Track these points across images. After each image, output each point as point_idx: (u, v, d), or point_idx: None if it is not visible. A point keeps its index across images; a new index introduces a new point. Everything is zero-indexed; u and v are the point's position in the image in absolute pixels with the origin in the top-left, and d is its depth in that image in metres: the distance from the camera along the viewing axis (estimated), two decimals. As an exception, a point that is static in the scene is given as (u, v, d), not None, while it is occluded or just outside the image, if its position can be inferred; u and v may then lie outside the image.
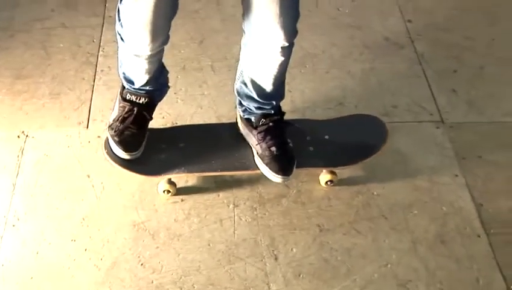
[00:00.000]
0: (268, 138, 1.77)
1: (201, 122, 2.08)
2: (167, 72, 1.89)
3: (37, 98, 2.18)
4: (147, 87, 1.79)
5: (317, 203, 1.87)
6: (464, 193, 1.90)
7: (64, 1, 2.60)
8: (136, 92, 1.80)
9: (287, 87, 2.14)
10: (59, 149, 2.01)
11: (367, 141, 1.90)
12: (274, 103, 1.78)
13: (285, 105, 2.08)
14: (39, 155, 1.99)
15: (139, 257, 1.74)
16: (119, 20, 1.62)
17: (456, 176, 1.94)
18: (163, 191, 1.85)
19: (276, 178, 1.76)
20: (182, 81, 2.23)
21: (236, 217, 1.83)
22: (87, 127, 2.08)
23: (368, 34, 2.44)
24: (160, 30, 1.59)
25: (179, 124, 2.07)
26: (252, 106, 1.79)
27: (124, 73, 1.80)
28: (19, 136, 2.04)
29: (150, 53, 1.65)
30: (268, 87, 1.73)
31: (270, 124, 1.77)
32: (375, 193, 1.89)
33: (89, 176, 1.93)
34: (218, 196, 1.88)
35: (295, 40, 1.62)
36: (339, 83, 2.23)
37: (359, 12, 2.53)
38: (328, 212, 1.85)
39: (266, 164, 1.76)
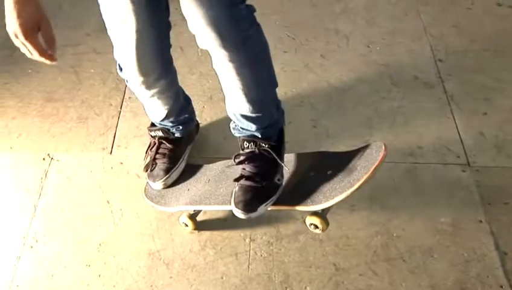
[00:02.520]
0: (246, 163, 1.68)
1: (225, 153, 2.07)
2: (191, 107, 1.97)
3: (64, 122, 2.22)
4: (165, 122, 1.88)
5: (335, 241, 1.84)
6: (487, 240, 1.84)
7: (99, 26, 2.63)
8: (158, 126, 1.92)
9: (311, 123, 2.16)
10: (82, 173, 2.04)
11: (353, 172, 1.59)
12: (255, 126, 1.67)
13: (309, 140, 2.09)
14: (62, 178, 2.02)
15: (151, 286, 1.74)
16: (118, 62, 1.69)
17: (481, 222, 1.88)
18: (183, 223, 1.85)
19: (235, 211, 1.64)
20: (208, 111, 2.25)
21: (252, 251, 1.82)
22: (111, 152, 2.10)
23: (397, 72, 2.41)
24: (149, 67, 1.63)
25: (203, 155, 2.08)
26: (239, 125, 1.71)
27: (146, 110, 1.89)
28: (44, 159, 2.08)
29: (148, 91, 1.71)
30: (241, 101, 1.59)
31: (256, 151, 1.68)
32: (394, 234, 1.85)
33: (108, 202, 1.94)
34: (235, 229, 1.87)
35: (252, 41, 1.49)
36: (365, 120, 2.21)
37: (389, 50, 2.51)
38: (346, 251, 1.81)
39: (235, 193, 1.66)
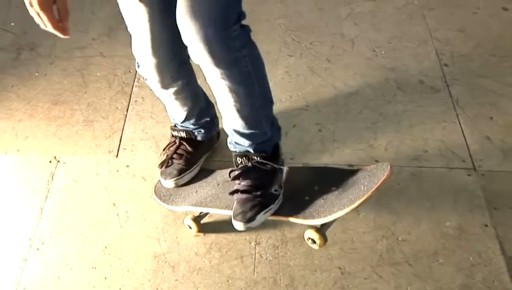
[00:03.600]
0: (240, 178, 1.70)
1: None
2: (213, 111, 1.97)
3: (71, 125, 2.23)
4: (186, 123, 1.90)
5: (340, 245, 1.84)
6: (493, 245, 1.83)
7: (105, 30, 2.67)
8: (180, 128, 1.94)
9: (316, 127, 2.16)
10: (88, 176, 2.04)
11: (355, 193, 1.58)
12: (248, 142, 1.68)
13: (314, 144, 2.09)
14: (68, 181, 2.03)
15: (157, 288, 1.74)
16: (136, 60, 1.71)
17: (486, 226, 1.88)
18: (187, 225, 1.85)
19: (235, 224, 1.66)
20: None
21: (257, 254, 1.82)
22: (117, 156, 2.11)
23: (402, 76, 2.42)
24: (164, 66, 1.65)
25: (216, 158, 2.08)
26: (234, 139, 1.73)
27: (168, 111, 1.93)
28: (50, 161, 2.09)
29: (165, 91, 1.74)
30: (234, 117, 1.61)
31: (249, 164, 1.70)
32: (400, 238, 1.85)
33: (114, 205, 1.95)
34: (241, 232, 1.86)
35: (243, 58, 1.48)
36: (371, 124, 2.21)
37: (395, 54, 2.52)
38: (351, 255, 1.81)
39: (233, 207, 1.69)
